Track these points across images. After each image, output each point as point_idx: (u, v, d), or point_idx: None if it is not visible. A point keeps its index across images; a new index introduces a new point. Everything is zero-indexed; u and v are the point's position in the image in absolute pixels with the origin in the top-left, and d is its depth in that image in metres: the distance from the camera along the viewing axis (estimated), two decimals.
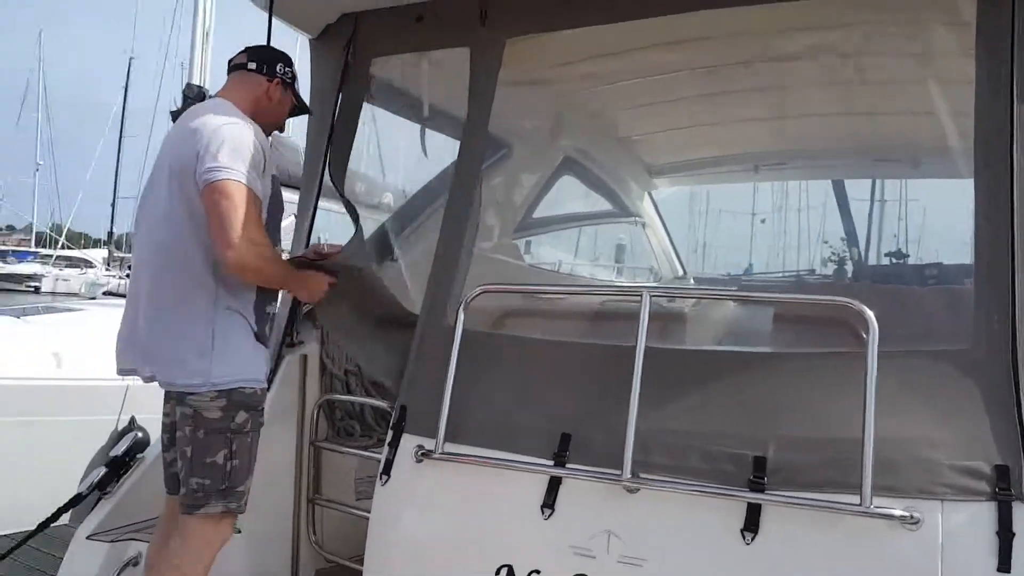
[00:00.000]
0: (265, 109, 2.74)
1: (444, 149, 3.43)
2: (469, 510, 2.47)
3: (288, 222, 3.16)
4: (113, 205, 33.41)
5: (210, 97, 5.66)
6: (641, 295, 2.34)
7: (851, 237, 4.51)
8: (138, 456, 3.23)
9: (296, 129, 5.35)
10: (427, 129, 3.62)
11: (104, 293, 10.69)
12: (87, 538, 2.96)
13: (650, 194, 5.17)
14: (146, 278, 2.59)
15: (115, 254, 27.76)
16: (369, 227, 3.77)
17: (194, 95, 5.70)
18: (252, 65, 2.75)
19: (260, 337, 2.62)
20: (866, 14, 2.90)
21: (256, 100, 2.72)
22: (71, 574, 2.95)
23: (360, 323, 2.98)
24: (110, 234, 33.68)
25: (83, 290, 27.68)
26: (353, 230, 3.15)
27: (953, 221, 2.70)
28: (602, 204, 4.98)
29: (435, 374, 2.55)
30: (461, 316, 2.55)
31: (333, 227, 3.30)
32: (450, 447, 2.46)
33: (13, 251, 46.48)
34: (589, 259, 5.43)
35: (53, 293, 31.73)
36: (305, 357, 3.31)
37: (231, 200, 2.39)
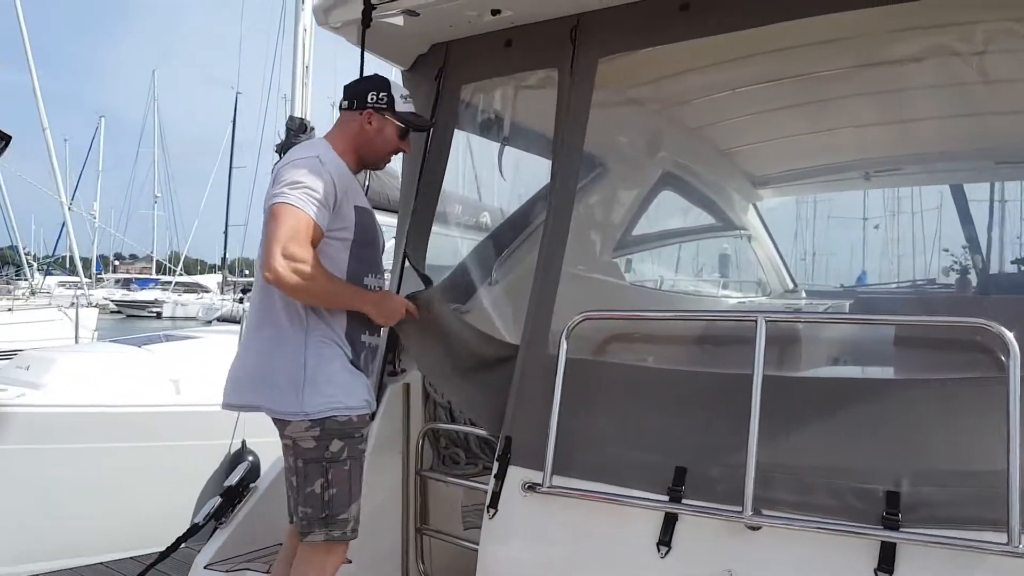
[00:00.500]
0: (369, 140, 2.76)
1: (538, 170, 3.39)
2: (581, 546, 2.41)
3: (390, 245, 3.19)
4: (225, 232, 35.01)
5: (311, 129, 5.89)
6: (756, 321, 2.24)
7: (973, 244, 4.24)
8: (251, 485, 3.32)
9: None
10: (518, 150, 3.59)
11: (218, 319, 11.15)
12: (205, 567, 3.05)
13: (755, 205, 5.02)
14: (251, 312, 2.71)
15: (228, 278, 29.01)
16: (467, 247, 3.78)
17: (296, 127, 5.88)
18: (344, 103, 2.79)
19: (357, 365, 2.63)
20: (984, 13, 2.74)
21: (354, 135, 2.75)
22: None
23: (454, 369, 2.92)
24: (223, 260, 35.29)
25: (200, 314, 29.09)
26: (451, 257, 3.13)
27: None
28: (704, 218, 4.87)
29: (539, 405, 2.50)
30: (564, 345, 2.49)
31: (431, 249, 3.31)
32: (558, 480, 2.40)
33: (136, 279, 49.54)
34: (693, 274, 5.30)
35: (173, 318, 33.52)
36: (408, 386, 3.32)
37: (276, 220, 2.43)
